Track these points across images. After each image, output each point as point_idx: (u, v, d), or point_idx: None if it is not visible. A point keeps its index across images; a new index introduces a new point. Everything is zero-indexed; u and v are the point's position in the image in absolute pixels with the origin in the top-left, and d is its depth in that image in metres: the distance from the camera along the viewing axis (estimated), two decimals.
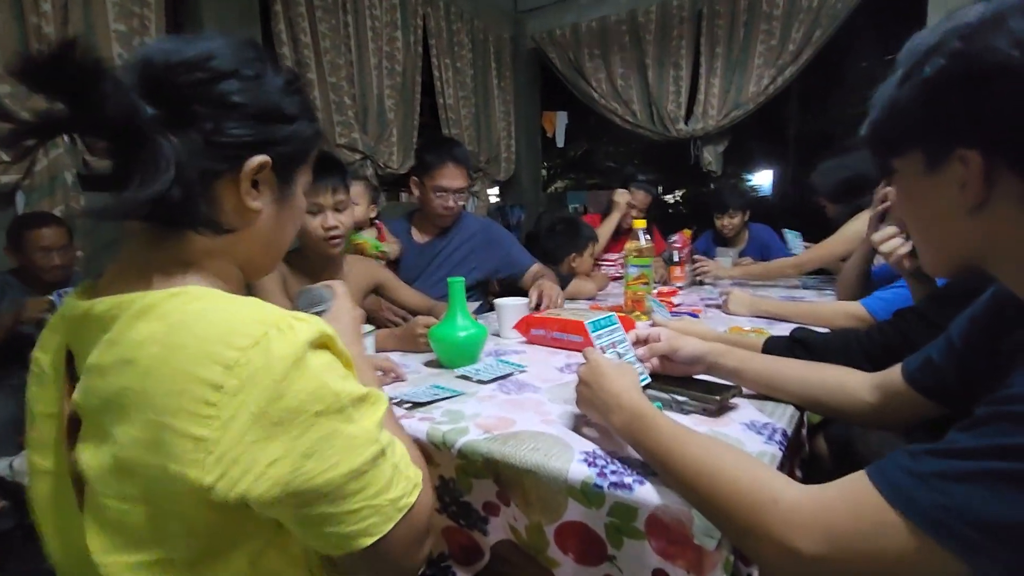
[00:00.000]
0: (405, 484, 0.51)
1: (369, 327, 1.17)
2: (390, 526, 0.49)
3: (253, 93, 0.52)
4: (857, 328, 1.00)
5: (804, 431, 0.92)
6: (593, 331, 0.85)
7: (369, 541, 0.48)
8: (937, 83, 0.47)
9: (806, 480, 0.91)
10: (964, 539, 0.39)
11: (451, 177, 1.78)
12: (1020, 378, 0.41)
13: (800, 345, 1.00)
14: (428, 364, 1.16)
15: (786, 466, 0.78)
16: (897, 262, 1.13)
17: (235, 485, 0.43)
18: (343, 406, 0.48)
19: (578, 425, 0.79)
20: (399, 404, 0.90)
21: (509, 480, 0.71)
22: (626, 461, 0.68)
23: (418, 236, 1.93)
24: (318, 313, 0.76)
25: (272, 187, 0.57)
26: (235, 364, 0.43)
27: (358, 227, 1.71)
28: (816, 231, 2.14)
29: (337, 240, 1.29)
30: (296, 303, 0.79)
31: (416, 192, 1.85)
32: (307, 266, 1.32)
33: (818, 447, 1.22)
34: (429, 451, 0.78)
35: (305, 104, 0.59)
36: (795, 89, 3.54)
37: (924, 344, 0.84)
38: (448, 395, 0.94)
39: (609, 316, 0.89)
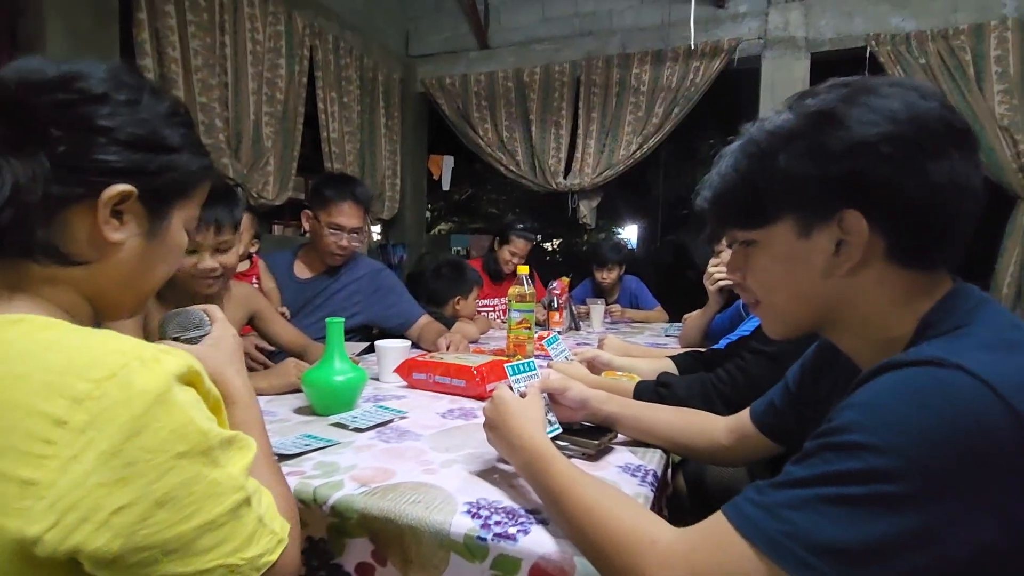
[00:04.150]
0: (268, 540, 0.48)
1: None
2: None
3: (125, 118, 0.49)
4: (708, 375, 1.11)
5: (669, 471, 0.99)
6: (512, 375, 0.85)
7: None
8: (814, 154, 0.52)
9: (670, 515, 0.98)
10: (802, 561, 0.43)
11: (348, 216, 1.71)
12: (840, 412, 0.47)
13: (665, 388, 1.09)
14: (298, 411, 1.07)
15: (655, 505, 0.82)
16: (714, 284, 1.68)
17: (69, 535, 0.38)
18: (210, 447, 0.44)
19: (465, 472, 0.77)
20: None
21: (387, 537, 0.66)
22: (510, 511, 0.67)
23: (301, 272, 1.81)
24: (195, 339, 0.69)
25: (140, 220, 0.52)
26: (86, 397, 0.39)
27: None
28: (672, 282, 2.37)
29: (212, 281, 1.14)
30: (164, 327, 0.71)
31: (307, 226, 1.75)
32: (175, 295, 1.13)
33: (678, 484, 1.31)
34: (297, 510, 0.71)
35: (191, 136, 0.56)
36: (658, 157, 3.98)
37: (762, 375, 1.00)
38: (321, 445, 0.87)
39: (529, 362, 0.89)
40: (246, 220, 1.56)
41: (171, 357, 0.44)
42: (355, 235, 1.74)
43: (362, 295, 1.80)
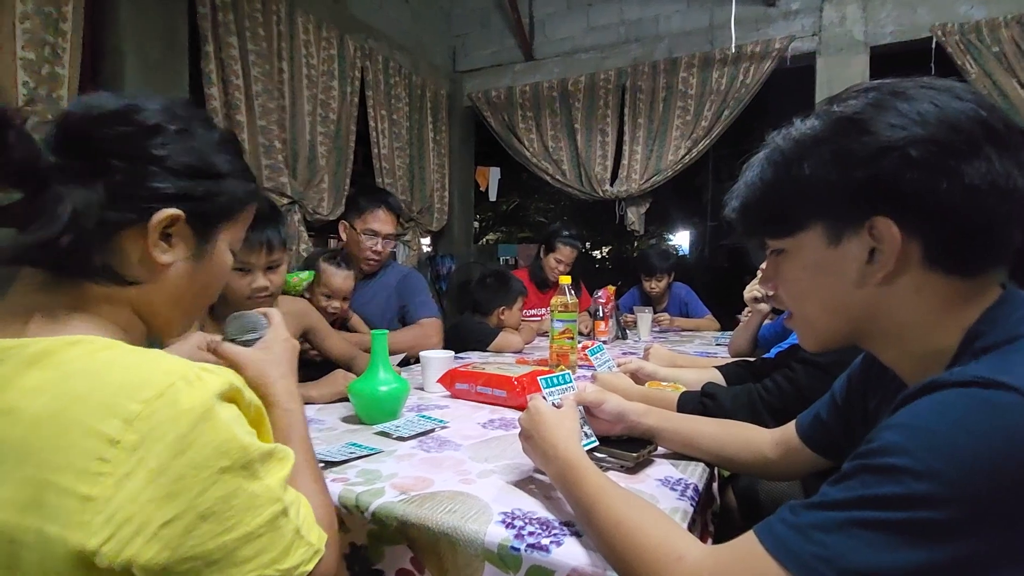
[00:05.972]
0: (305, 551, 0.49)
1: None
2: None
3: (176, 147, 0.52)
4: (755, 386, 1.07)
5: (715, 485, 0.96)
6: (546, 387, 0.86)
7: None
8: (839, 161, 0.50)
9: (717, 531, 0.95)
10: None
11: (382, 221, 1.87)
12: (880, 432, 0.45)
13: (710, 399, 1.06)
14: (346, 420, 1.11)
15: (698, 520, 0.80)
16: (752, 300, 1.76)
17: (124, 548, 0.40)
18: (250, 460, 0.46)
19: (501, 483, 0.78)
20: None
21: (424, 545, 0.68)
22: (544, 522, 0.67)
23: None
24: (250, 341, 0.74)
25: (188, 242, 0.55)
26: (136, 417, 0.41)
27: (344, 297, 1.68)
28: (728, 288, 2.31)
29: (262, 300, 1.21)
30: (226, 329, 0.76)
31: (344, 236, 1.90)
32: (228, 313, 1.22)
33: (728, 500, 1.26)
34: (340, 516, 0.74)
35: (238, 163, 0.60)
36: (708, 160, 3.90)
37: (811, 386, 0.96)
38: (365, 453, 0.90)
39: (565, 374, 0.90)
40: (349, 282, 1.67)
41: (213, 376, 0.47)
42: (388, 240, 1.90)
43: (395, 299, 1.95)
